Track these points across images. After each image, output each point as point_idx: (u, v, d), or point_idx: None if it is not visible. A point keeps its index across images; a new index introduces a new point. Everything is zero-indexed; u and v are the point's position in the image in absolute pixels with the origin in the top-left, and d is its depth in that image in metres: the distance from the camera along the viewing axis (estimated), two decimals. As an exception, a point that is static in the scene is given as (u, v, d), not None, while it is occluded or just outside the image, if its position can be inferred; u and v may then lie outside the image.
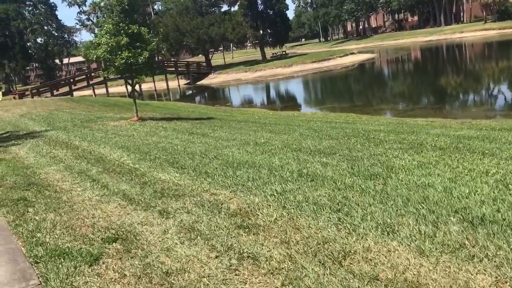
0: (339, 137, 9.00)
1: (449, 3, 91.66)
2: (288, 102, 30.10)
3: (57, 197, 6.26)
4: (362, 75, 46.45)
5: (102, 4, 14.57)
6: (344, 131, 10.23)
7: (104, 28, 14.16)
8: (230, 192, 5.63)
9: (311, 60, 53.24)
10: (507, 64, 37.37)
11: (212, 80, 53.95)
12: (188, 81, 54.03)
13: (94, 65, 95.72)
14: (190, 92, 52.72)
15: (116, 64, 14.18)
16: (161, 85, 52.35)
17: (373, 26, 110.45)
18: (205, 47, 56.46)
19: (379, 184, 5.35)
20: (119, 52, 14.17)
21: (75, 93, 43.23)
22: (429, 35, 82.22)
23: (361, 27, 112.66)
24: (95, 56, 14.37)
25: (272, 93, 40.07)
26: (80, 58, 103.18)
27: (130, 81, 15.48)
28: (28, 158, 9.53)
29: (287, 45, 76.04)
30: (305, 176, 5.94)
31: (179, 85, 52.26)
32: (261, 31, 55.82)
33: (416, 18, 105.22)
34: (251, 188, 5.66)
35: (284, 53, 61.56)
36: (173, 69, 51.58)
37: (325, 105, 24.88)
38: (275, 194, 5.28)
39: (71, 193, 6.48)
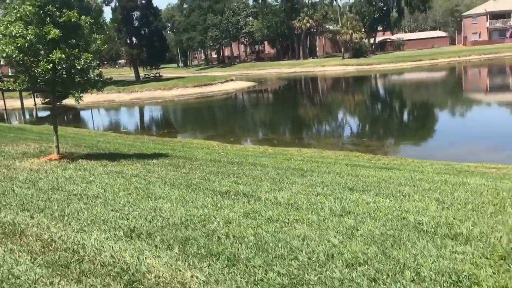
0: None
1: (305, 38, 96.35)
2: (204, 131, 25.55)
3: None
4: (255, 102, 44.19)
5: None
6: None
7: (19, 11, 8.57)
8: None
9: (193, 84, 49.22)
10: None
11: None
12: (47, 99, 45.41)
13: None
14: (47, 113, 44.33)
15: (39, 70, 8.66)
16: (10, 103, 43.44)
17: (232, 55, 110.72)
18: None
19: None
20: (42, 52, 8.73)
21: None
22: (292, 67, 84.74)
23: (221, 54, 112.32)
24: (3, 55, 8.60)
25: (167, 119, 34.97)
26: None
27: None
28: None
29: (144, 68, 70.44)
30: None
31: (35, 104, 43.67)
32: (136, 49, 49.99)
33: (273, 50, 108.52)
34: None
35: (158, 74, 56.44)
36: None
37: (252, 137, 21.25)
38: None
39: None
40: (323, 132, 24.51)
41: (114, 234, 4.79)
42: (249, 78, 69.22)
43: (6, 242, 4.66)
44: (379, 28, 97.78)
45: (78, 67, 8.90)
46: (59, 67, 8.81)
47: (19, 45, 8.66)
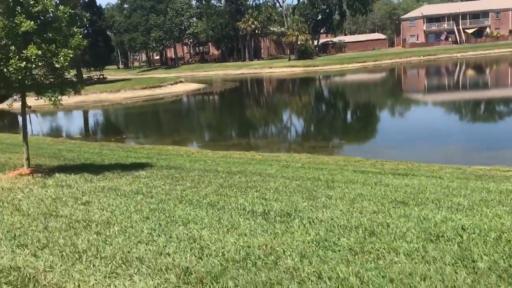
0: None
1: (250, 39, 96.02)
2: (167, 136, 23.94)
3: None
4: (210, 105, 43.01)
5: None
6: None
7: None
8: None
9: (141, 87, 47.13)
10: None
11: (19, 103, 42.79)
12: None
13: None
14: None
15: (10, 69, 7.19)
16: None
17: (176, 56, 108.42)
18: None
19: None
20: (13, 48, 7.28)
21: None
22: (238, 69, 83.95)
23: (164, 56, 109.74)
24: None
25: (121, 123, 32.91)
26: None
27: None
28: None
29: (86, 70, 67.20)
30: None
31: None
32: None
33: (218, 51, 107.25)
34: None
35: (102, 76, 53.72)
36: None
37: (222, 141, 20.15)
38: None
39: None
40: (296, 135, 23.76)
41: (165, 279, 3.64)
42: (195, 80, 67.53)
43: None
44: (322, 30, 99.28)
45: (57, 65, 7.49)
46: (34, 65, 7.37)
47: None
